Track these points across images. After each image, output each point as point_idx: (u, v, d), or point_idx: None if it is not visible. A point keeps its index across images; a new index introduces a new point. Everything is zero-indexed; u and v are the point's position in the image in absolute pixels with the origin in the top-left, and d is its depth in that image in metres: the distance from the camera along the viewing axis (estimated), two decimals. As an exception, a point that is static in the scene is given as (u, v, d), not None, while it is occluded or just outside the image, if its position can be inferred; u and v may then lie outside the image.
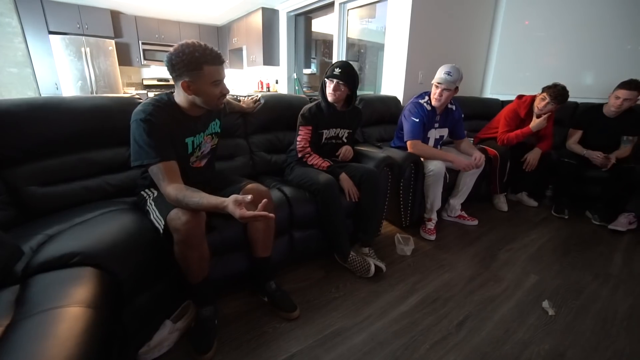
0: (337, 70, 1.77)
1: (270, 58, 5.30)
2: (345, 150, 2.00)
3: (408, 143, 2.19)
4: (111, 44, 5.29)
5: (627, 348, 1.30)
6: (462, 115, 2.34)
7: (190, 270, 1.22)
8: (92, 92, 5.17)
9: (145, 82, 6.25)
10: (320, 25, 5.09)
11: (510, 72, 3.62)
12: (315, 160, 1.86)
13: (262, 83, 6.06)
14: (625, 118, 2.45)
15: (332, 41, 4.18)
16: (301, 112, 1.90)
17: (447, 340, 1.33)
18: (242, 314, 1.46)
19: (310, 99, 2.34)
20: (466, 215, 2.46)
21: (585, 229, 2.41)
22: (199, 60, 1.16)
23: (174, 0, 5.01)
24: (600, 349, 1.30)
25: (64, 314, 0.78)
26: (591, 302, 1.58)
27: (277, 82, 5.60)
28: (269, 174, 2.10)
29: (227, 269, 1.51)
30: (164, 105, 1.25)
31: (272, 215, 1.13)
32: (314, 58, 5.40)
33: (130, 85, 6.18)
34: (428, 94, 2.21)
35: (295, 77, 5.05)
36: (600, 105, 2.58)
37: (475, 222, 2.44)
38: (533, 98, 2.60)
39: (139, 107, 1.22)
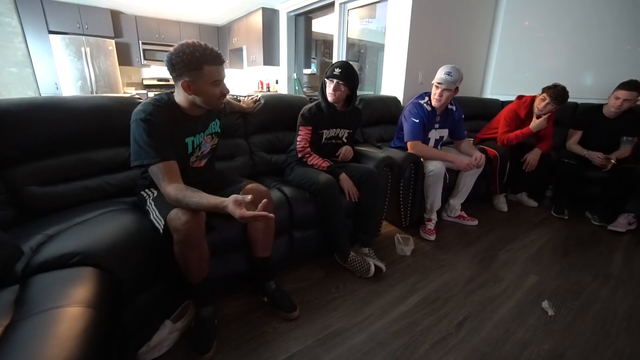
0: (337, 71, 1.77)
1: (270, 58, 5.30)
2: (345, 151, 2.00)
3: (408, 144, 2.19)
4: (111, 44, 5.29)
5: (627, 348, 1.30)
6: (463, 116, 2.34)
7: (190, 270, 1.22)
8: (92, 92, 5.17)
9: (145, 82, 6.25)
10: (321, 25, 5.09)
11: (510, 72, 3.62)
12: (315, 160, 1.86)
13: (262, 83, 6.06)
14: (625, 119, 2.45)
15: (332, 41, 4.18)
16: (301, 112, 1.90)
17: (447, 341, 1.33)
18: (242, 314, 1.46)
19: (310, 99, 2.34)
20: (466, 216, 2.46)
21: (585, 230, 2.41)
22: (199, 60, 1.16)
23: (174, 0, 5.01)
24: (600, 349, 1.30)
25: (63, 314, 0.78)
26: (591, 302, 1.59)
27: (277, 82, 5.60)
28: (268, 174, 2.10)
29: (227, 269, 1.51)
30: (164, 105, 1.25)
31: (272, 215, 1.13)
32: (314, 58, 5.40)
33: (130, 85, 6.18)
34: (428, 94, 2.21)
35: (295, 77, 5.05)
36: (600, 106, 2.58)
37: (475, 223, 2.44)
38: (533, 98, 2.60)
39: (139, 107, 1.22)
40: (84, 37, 5.00)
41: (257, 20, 5.11)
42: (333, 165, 1.86)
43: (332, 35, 4.16)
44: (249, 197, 1.07)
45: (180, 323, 1.30)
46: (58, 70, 4.91)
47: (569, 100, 2.44)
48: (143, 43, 5.87)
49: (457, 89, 2.09)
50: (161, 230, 1.19)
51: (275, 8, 5.02)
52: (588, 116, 2.64)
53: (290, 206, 1.67)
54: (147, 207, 1.31)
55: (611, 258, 2.00)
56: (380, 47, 3.95)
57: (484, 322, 1.44)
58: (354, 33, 4.27)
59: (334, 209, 1.70)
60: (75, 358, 0.68)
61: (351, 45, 4.25)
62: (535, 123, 2.49)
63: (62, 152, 1.48)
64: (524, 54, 3.46)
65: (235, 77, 7.12)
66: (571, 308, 1.54)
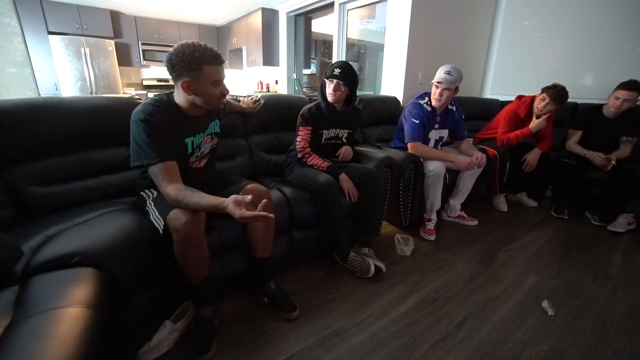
0: (336, 71, 1.77)
1: (270, 58, 5.30)
2: (345, 151, 2.00)
3: (408, 145, 2.19)
4: (111, 44, 5.29)
5: (627, 348, 1.30)
6: (463, 116, 2.34)
7: (189, 271, 1.22)
8: (91, 93, 5.16)
9: (145, 83, 6.25)
10: (320, 25, 5.09)
11: (510, 72, 3.62)
12: (314, 160, 1.86)
13: (261, 83, 6.06)
14: (624, 119, 2.45)
15: (332, 41, 4.18)
16: (301, 112, 1.90)
17: (447, 341, 1.33)
18: (242, 314, 1.46)
19: (310, 99, 2.34)
20: (466, 216, 2.46)
21: (585, 230, 2.41)
22: (199, 60, 1.16)
23: (174, 1, 5.01)
24: (599, 349, 1.30)
25: (63, 314, 0.78)
26: (590, 302, 1.59)
27: (276, 83, 5.60)
28: (268, 174, 2.10)
29: (226, 269, 1.51)
30: (163, 106, 1.25)
31: (271, 215, 1.13)
32: (313, 58, 5.40)
33: (129, 85, 6.18)
34: (428, 94, 2.21)
35: (295, 77, 5.06)
36: (600, 106, 2.58)
37: (475, 223, 2.44)
38: (533, 98, 2.60)
39: (138, 107, 1.22)
40: (83, 38, 5.00)
41: (257, 20, 5.11)
42: (333, 165, 1.86)
43: (331, 36, 4.16)
44: (249, 197, 1.07)
45: (180, 323, 1.30)
46: (57, 70, 4.90)
47: (569, 100, 2.44)
48: (142, 43, 5.87)
49: (457, 88, 2.09)
50: (161, 231, 1.19)
51: (275, 8, 5.02)
52: (588, 116, 2.64)
53: (290, 206, 1.67)
54: (147, 208, 1.31)
55: (611, 258, 2.00)
56: (379, 47, 3.95)
57: (483, 322, 1.44)
58: (354, 33, 4.27)
59: (333, 209, 1.70)
60: (75, 358, 0.68)
61: (351, 45, 4.26)
62: (535, 123, 2.50)
63: (62, 152, 1.48)
64: (523, 54, 3.46)
65: (235, 77, 7.13)
66: (571, 308, 1.54)
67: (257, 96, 2.17)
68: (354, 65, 2.88)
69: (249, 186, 1.43)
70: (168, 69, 1.20)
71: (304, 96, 2.61)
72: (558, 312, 1.51)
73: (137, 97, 1.77)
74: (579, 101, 2.92)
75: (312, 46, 5.28)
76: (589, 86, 3.03)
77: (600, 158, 2.41)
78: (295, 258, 1.79)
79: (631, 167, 2.31)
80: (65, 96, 3.21)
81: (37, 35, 4.76)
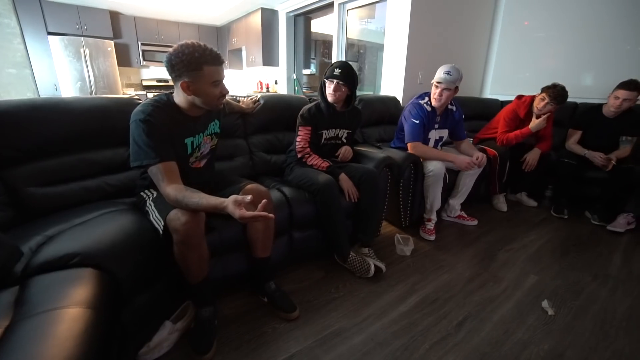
0: (337, 71, 1.77)
1: (269, 58, 5.30)
2: (345, 151, 2.00)
3: (408, 145, 2.20)
4: (110, 45, 5.28)
5: (626, 348, 1.30)
6: (463, 116, 2.34)
7: (189, 271, 1.22)
8: (91, 93, 5.16)
9: (145, 83, 6.25)
10: (320, 25, 5.09)
11: (510, 72, 3.62)
12: (314, 160, 1.86)
13: (261, 83, 6.06)
14: (624, 118, 2.45)
15: (331, 41, 4.18)
16: (300, 112, 1.90)
17: (447, 341, 1.33)
18: (242, 314, 1.46)
19: (309, 99, 2.34)
20: (466, 216, 2.46)
21: (585, 229, 2.41)
22: (198, 60, 1.16)
23: (173, 1, 5.01)
24: (599, 349, 1.30)
25: (63, 314, 0.78)
26: (590, 302, 1.59)
27: (276, 83, 5.60)
28: (268, 175, 2.10)
29: (226, 270, 1.51)
30: (163, 106, 1.25)
31: (271, 215, 1.13)
32: (313, 58, 5.40)
33: (129, 86, 6.18)
34: (428, 94, 2.21)
35: (295, 77, 5.06)
36: (600, 106, 2.58)
37: (475, 223, 2.44)
38: (532, 98, 2.60)
39: (138, 108, 1.22)
40: (83, 38, 5.00)
41: (257, 20, 5.11)
42: (332, 165, 1.86)
43: (331, 36, 4.16)
44: (249, 197, 1.07)
45: (180, 323, 1.30)
46: (57, 71, 4.90)
47: (569, 100, 2.44)
48: (142, 44, 5.86)
49: (456, 88, 2.09)
50: (161, 231, 1.19)
51: (275, 8, 5.02)
52: (587, 116, 2.64)
53: (289, 206, 1.67)
54: (147, 208, 1.32)
55: (610, 258, 2.01)
56: (379, 47, 3.95)
57: (483, 322, 1.44)
58: (353, 33, 4.27)
59: (333, 209, 1.70)
60: (75, 359, 0.68)
61: (350, 45, 4.26)
62: (534, 123, 2.50)
63: (62, 152, 1.48)
64: (523, 54, 3.46)
65: (235, 77, 7.12)
66: (571, 308, 1.54)
67: (256, 96, 2.17)
68: (354, 65, 2.88)
69: (249, 186, 1.43)
70: (168, 70, 1.20)
71: (303, 96, 2.61)
72: (558, 312, 1.51)
73: (136, 97, 1.77)
74: (578, 101, 2.92)
75: (311, 46, 5.28)
76: (589, 86, 3.03)
77: (600, 158, 2.41)
78: (295, 258, 1.79)
79: (631, 167, 2.31)
80: (65, 97, 3.22)
81: (37, 36, 4.75)
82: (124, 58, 5.71)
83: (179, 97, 1.28)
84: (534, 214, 2.68)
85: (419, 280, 1.75)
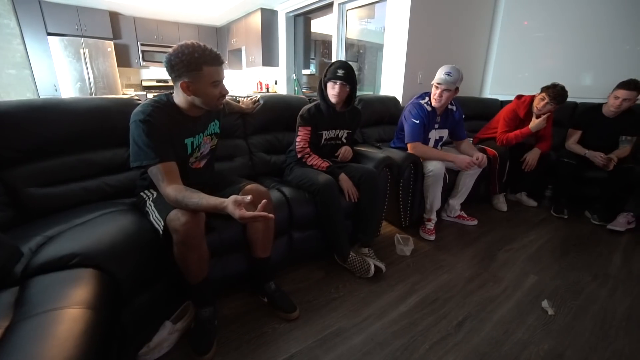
0: (340, 72, 1.76)
1: (269, 59, 5.30)
2: (345, 151, 2.00)
3: (408, 145, 2.20)
4: (110, 45, 5.28)
5: (626, 348, 1.30)
6: (463, 116, 2.34)
7: (189, 271, 1.22)
8: (91, 94, 5.16)
9: (144, 84, 6.25)
10: (320, 25, 5.09)
11: (510, 72, 3.63)
12: (314, 160, 1.86)
13: (261, 84, 6.06)
14: (624, 118, 2.45)
15: (331, 42, 4.19)
16: (300, 112, 1.90)
17: (447, 341, 1.33)
18: (242, 314, 1.46)
19: (309, 99, 2.34)
20: (465, 216, 2.46)
21: (585, 229, 2.41)
22: (198, 60, 1.16)
23: (173, 1, 5.01)
24: (599, 349, 1.30)
25: (63, 315, 0.78)
26: (590, 302, 1.59)
27: (276, 83, 5.60)
28: (268, 175, 2.10)
29: (226, 270, 1.51)
30: (163, 106, 1.25)
31: (271, 215, 1.13)
32: (313, 59, 5.40)
33: (129, 86, 6.18)
34: (428, 94, 2.21)
35: (295, 77, 5.06)
36: (600, 106, 2.58)
37: (475, 223, 2.44)
38: (532, 98, 2.60)
39: (138, 108, 1.22)
40: (82, 39, 5.00)
41: (256, 20, 5.11)
42: (332, 165, 1.86)
43: (331, 36, 4.17)
44: (249, 197, 1.07)
45: (180, 324, 1.30)
46: (57, 71, 4.90)
47: (568, 99, 2.44)
48: (142, 44, 5.86)
49: (457, 89, 2.09)
50: (161, 231, 1.19)
51: (274, 9, 5.02)
52: (587, 116, 2.64)
53: (289, 207, 1.67)
54: (147, 208, 1.32)
55: (610, 258, 2.01)
56: (379, 47, 3.96)
57: (483, 322, 1.44)
58: (353, 33, 4.28)
59: (333, 210, 1.70)
60: (75, 359, 0.68)
61: (350, 45, 4.26)
62: (534, 123, 2.50)
63: (61, 153, 1.48)
64: (523, 54, 3.46)
65: (234, 77, 7.13)
66: (570, 308, 1.54)
67: (256, 96, 2.17)
68: (353, 65, 2.88)
69: (249, 186, 1.43)
70: (167, 70, 1.20)
71: (303, 96, 2.61)
72: (558, 312, 1.51)
73: (136, 97, 1.77)
74: (578, 101, 2.92)
75: (311, 46, 5.28)
76: (589, 86, 3.03)
77: (600, 158, 2.41)
78: (295, 258, 1.79)
79: (630, 166, 2.31)
80: (65, 97, 3.22)
81: (36, 37, 4.75)
82: (123, 58, 5.71)
83: (179, 98, 1.28)
84: (533, 214, 2.68)
85: (418, 280, 1.75)
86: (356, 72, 1.85)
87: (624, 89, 2.34)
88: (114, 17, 5.50)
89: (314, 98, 2.13)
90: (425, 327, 1.40)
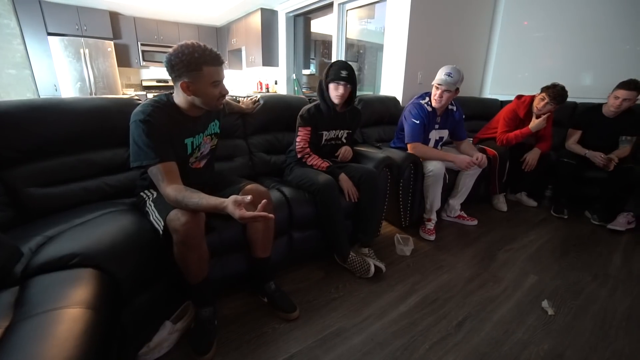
0: (344, 73, 1.76)
1: (269, 59, 5.30)
2: (345, 151, 2.00)
3: (408, 146, 2.20)
4: (110, 45, 5.29)
5: (626, 348, 1.30)
6: (463, 116, 2.34)
7: (189, 271, 1.22)
8: (91, 94, 5.16)
9: (144, 83, 6.25)
10: (320, 25, 5.09)
11: (510, 72, 3.63)
12: (314, 160, 1.86)
13: (261, 84, 6.06)
14: (624, 118, 2.45)
15: (331, 42, 4.19)
16: (300, 113, 1.90)
17: (447, 341, 1.33)
18: (242, 314, 1.46)
19: (309, 99, 2.34)
20: (465, 216, 2.46)
21: (585, 229, 2.41)
22: (198, 60, 1.16)
23: (173, 1, 5.01)
24: (599, 349, 1.30)
25: (63, 315, 0.78)
26: (590, 302, 1.59)
27: (276, 83, 5.60)
28: (268, 175, 2.10)
29: (226, 270, 1.51)
30: (163, 106, 1.25)
31: (271, 215, 1.13)
32: (313, 59, 5.40)
33: (129, 86, 6.18)
34: (429, 94, 2.21)
35: (295, 77, 5.06)
36: (600, 106, 2.58)
37: (475, 223, 2.44)
38: (532, 98, 2.60)
39: (138, 108, 1.22)
40: (82, 39, 5.00)
41: (256, 20, 5.11)
42: (332, 165, 1.86)
43: (331, 36, 4.17)
44: (249, 197, 1.07)
45: (180, 324, 1.30)
46: (57, 71, 4.90)
47: (568, 99, 2.44)
48: (142, 44, 5.86)
49: (457, 90, 2.09)
50: (161, 231, 1.19)
51: (274, 9, 5.02)
52: (587, 116, 2.64)
53: (289, 207, 1.67)
54: (147, 208, 1.32)
55: (610, 258, 2.01)
56: (379, 48, 3.96)
57: (483, 322, 1.44)
58: (353, 33, 4.28)
59: (333, 210, 1.70)
60: (75, 359, 0.68)
61: (350, 45, 4.26)
62: (534, 123, 2.50)
63: (62, 153, 1.48)
64: (522, 54, 3.46)
65: (234, 78, 7.13)
66: (570, 308, 1.54)
67: (256, 97, 2.17)
68: (353, 65, 2.88)
69: (249, 186, 1.43)
70: (167, 70, 1.20)
71: (303, 96, 2.61)
72: (558, 312, 1.51)
73: (136, 97, 1.77)
74: (578, 101, 2.92)
75: (311, 46, 5.28)
76: (588, 86, 3.03)
77: (601, 158, 2.41)
78: (295, 258, 1.79)
79: (630, 166, 2.31)
80: (65, 97, 3.21)
81: (37, 37, 4.75)
82: (123, 58, 5.71)
83: (179, 98, 1.28)
84: (533, 214, 2.68)
85: (418, 281, 1.75)
86: (356, 72, 1.85)
87: (624, 89, 2.34)
88: (114, 17, 5.50)
89: (314, 98, 2.13)
90: (425, 327, 1.40)
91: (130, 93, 5.84)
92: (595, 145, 2.52)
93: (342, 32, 4.05)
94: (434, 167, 2.10)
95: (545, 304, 1.55)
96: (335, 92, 1.80)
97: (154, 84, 6.27)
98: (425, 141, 2.26)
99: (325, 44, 5.43)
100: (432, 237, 2.19)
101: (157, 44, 6.01)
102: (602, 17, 2.87)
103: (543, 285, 1.72)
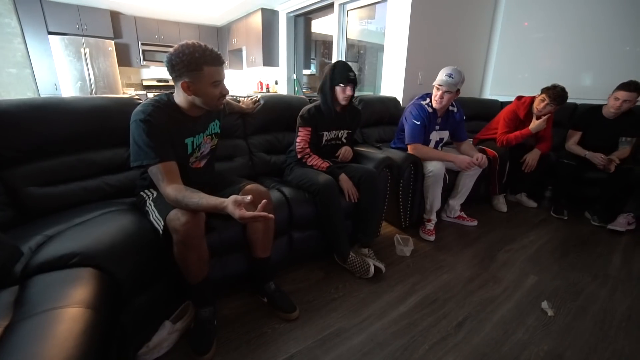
0: (351, 75, 1.78)
1: (269, 59, 5.30)
2: (345, 151, 2.00)
3: (409, 147, 2.20)
4: (111, 45, 5.29)
5: (626, 349, 1.30)
6: (464, 117, 2.34)
7: (189, 271, 1.22)
8: (91, 93, 5.16)
9: (145, 83, 6.25)
10: (320, 26, 5.10)
11: (510, 73, 3.63)
12: (314, 160, 1.87)
13: (261, 84, 6.06)
14: (624, 119, 2.45)
15: (331, 42, 4.19)
16: (300, 113, 1.90)
17: (446, 341, 1.33)
18: (242, 314, 1.46)
19: (309, 99, 2.35)
20: (465, 216, 2.46)
21: (584, 230, 2.41)
22: (199, 60, 1.16)
23: (174, 1, 5.01)
24: (599, 349, 1.30)
25: (63, 314, 0.78)
26: (590, 303, 1.59)
27: (276, 83, 5.60)
28: (268, 175, 2.10)
29: (226, 270, 1.51)
30: (163, 106, 1.25)
31: (271, 215, 1.13)
32: (313, 59, 5.41)
33: (129, 85, 6.18)
34: (430, 95, 2.20)
35: (295, 77, 5.06)
36: (600, 107, 2.58)
37: (475, 223, 2.44)
38: (532, 99, 2.60)
39: (138, 108, 1.23)
40: (83, 38, 5.00)
41: (257, 20, 5.11)
42: (332, 165, 1.86)
43: (331, 36, 4.17)
44: (249, 197, 1.07)
45: (179, 324, 1.30)
46: (57, 71, 4.90)
47: (568, 100, 2.44)
48: (142, 44, 5.87)
49: (458, 91, 2.09)
50: (161, 231, 1.19)
51: (275, 9, 5.02)
52: (587, 117, 2.64)
53: (289, 207, 1.67)
54: (147, 208, 1.31)
55: (610, 259, 2.01)
56: (379, 48, 3.96)
57: (483, 322, 1.44)
58: (354, 34, 4.28)
59: (333, 210, 1.70)
60: (75, 359, 0.68)
61: (351, 45, 4.26)
62: (534, 124, 2.50)
63: (62, 152, 1.48)
64: (523, 55, 3.46)
65: (235, 77, 7.13)
66: (570, 308, 1.54)
67: (256, 97, 2.17)
68: (354, 65, 2.88)
69: (249, 186, 1.43)
70: (168, 70, 1.20)
71: (303, 97, 2.61)
72: (557, 312, 1.51)
73: (136, 97, 1.77)
74: (578, 102, 2.93)
75: (311, 47, 5.29)
76: (589, 87, 3.03)
77: (601, 159, 2.41)
78: (294, 258, 1.79)
79: (630, 167, 2.31)
80: (65, 96, 3.21)
81: (37, 36, 4.76)
82: (124, 58, 5.72)
83: (180, 97, 1.28)
84: (533, 215, 2.68)
85: (418, 281, 1.75)
86: (357, 73, 1.85)
87: (624, 90, 2.34)
88: (115, 17, 5.50)
89: (315, 98, 2.13)
90: (425, 328, 1.40)
91: (130, 92, 5.84)
92: (595, 146, 2.52)
93: (343, 32, 4.05)
94: (434, 168, 2.10)
95: (545, 304, 1.54)
96: (343, 94, 1.81)
97: (155, 83, 6.28)
98: (426, 142, 2.25)
99: (325, 44, 5.44)
100: (432, 238, 2.19)
101: (157, 43, 6.01)
102: (602, 18, 2.87)
103: (543, 285, 1.72)
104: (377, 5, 3.72)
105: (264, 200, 1.15)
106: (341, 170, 1.84)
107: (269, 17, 5.07)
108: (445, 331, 1.39)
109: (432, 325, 1.42)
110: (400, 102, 2.95)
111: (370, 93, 4.44)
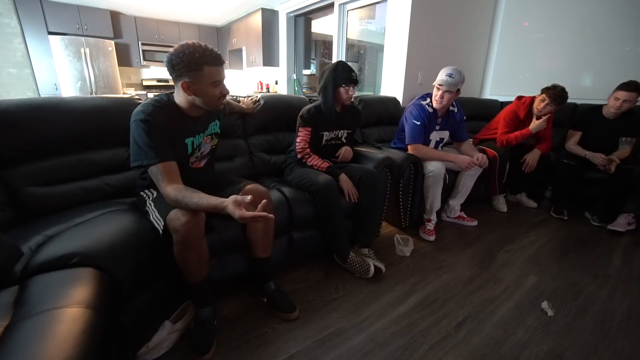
0: (354, 75, 1.79)
1: (269, 59, 5.31)
2: (345, 151, 2.00)
3: (409, 147, 2.20)
4: (111, 45, 5.29)
5: (626, 349, 1.30)
6: (464, 118, 2.33)
7: (189, 271, 1.22)
8: (91, 93, 5.16)
9: (145, 83, 6.25)
10: (320, 26, 5.09)
11: (510, 73, 3.63)
12: (314, 161, 1.86)
13: (261, 84, 6.06)
14: (624, 119, 2.45)
15: (331, 42, 4.19)
16: (300, 113, 1.90)
17: (446, 341, 1.33)
18: (242, 314, 1.46)
19: (309, 99, 2.35)
20: (465, 216, 2.46)
21: (584, 230, 2.41)
22: (199, 60, 1.16)
23: (174, 1, 5.01)
24: (599, 350, 1.30)
25: (63, 314, 0.78)
26: (590, 303, 1.59)
27: (276, 83, 5.60)
28: (268, 175, 2.10)
29: (226, 270, 1.51)
30: (163, 106, 1.25)
31: (271, 215, 1.13)
32: (313, 59, 5.41)
33: (129, 85, 6.18)
34: (430, 95, 2.20)
35: (295, 77, 5.06)
36: (600, 107, 2.58)
37: (475, 223, 2.44)
38: (532, 99, 2.60)
39: (138, 108, 1.23)
40: (83, 38, 5.00)
41: (257, 20, 5.12)
42: (332, 165, 1.87)
43: (331, 36, 4.17)
44: (249, 197, 1.07)
45: (179, 324, 1.30)
46: (57, 71, 4.90)
47: (568, 101, 2.44)
48: (142, 44, 5.87)
49: (458, 91, 2.09)
50: (161, 231, 1.19)
51: (275, 9, 5.02)
52: (587, 117, 2.64)
53: (289, 207, 1.67)
54: (147, 208, 1.32)
55: (610, 259, 2.01)
56: (379, 48, 3.96)
57: (483, 322, 1.44)
58: (354, 34, 4.28)
59: (333, 210, 1.70)
60: (75, 359, 0.68)
61: (351, 45, 4.26)
62: (534, 124, 2.49)
63: (62, 152, 1.48)
64: (523, 55, 3.46)
65: (235, 77, 7.13)
66: (570, 309, 1.54)
67: (257, 97, 2.17)
68: (354, 65, 2.88)
69: (249, 186, 1.43)
70: (168, 70, 1.20)
71: (303, 97, 2.61)
72: (557, 312, 1.51)
73: (137, 97, 1.77)
74: (578, 102, 2.92)
75: (312, 47, 5.28)
76: (589, 87, 3.03)
77: (601, 159, 2.41)
78: (294, 258, 1.79)
79: (630, 167, 2.31)
80: (65, 96, 3.21)
81: (37, 36, 4.76)
82: (124, 58, 5.72)
83: (180, 97, 1.28)
84: (533, 215, 2.68)
85: (418, 281, 1.75)
86: (357, 73, 1.86)
87: (624, 90, 2.34)
88: (115, 17, 5.50)
89: (315, 98, 2.13)
90: (425, 328, 1.40)
91: (130, 92, 5.84)
92: (595, 146, 2.52)
93: (343, 32, 4.05)
94: (434, 168, 2.10)
95: (545, 304, 1.54)
96: (347, 94, 1.82)
97: (155, 83, 6.28)
98: (426, 142, 2.25)
99: (325, 44, 5.43)
100: (432, 238, 2.19)
101: (157, 43, 6.01)
102: (602, 18, 2.87)
103: (543, 286, 1.72)
104: (377, 6, 3.72)
105: (264, 200, 1.15)
106: (341, 170, 1.84)
107: (269, 17, 5.07)
108: (445, 331, 1.39)
109: (432, 325, 1.42)
110: (400, 102, 2.95)
111: (370, 93, 4.44)
